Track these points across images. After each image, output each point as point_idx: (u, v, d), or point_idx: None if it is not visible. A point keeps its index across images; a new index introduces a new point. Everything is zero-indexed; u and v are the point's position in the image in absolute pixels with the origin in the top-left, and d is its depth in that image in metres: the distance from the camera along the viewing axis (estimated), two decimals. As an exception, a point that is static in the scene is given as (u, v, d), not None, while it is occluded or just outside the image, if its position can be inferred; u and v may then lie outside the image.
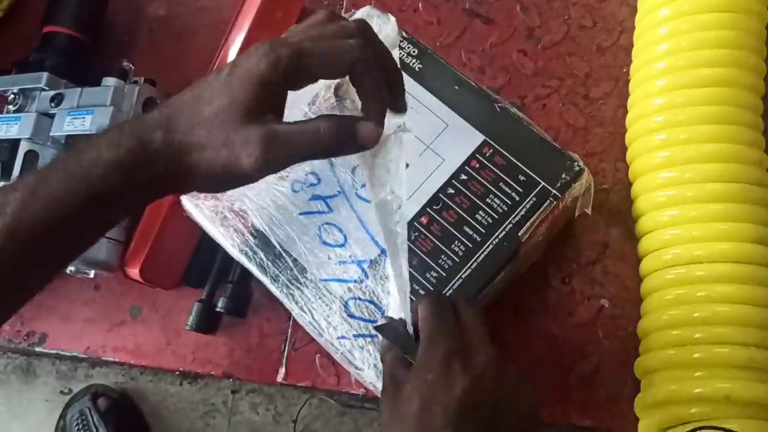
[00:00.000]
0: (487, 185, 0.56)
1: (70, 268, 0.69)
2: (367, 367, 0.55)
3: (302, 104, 0.61)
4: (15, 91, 0.72)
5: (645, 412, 0.54)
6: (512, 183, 0.56)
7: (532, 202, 0.55)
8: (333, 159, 0.59)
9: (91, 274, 0.70)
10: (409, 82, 0.58)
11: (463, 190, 0.57)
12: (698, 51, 0.56)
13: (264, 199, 0.59)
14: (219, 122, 0.42)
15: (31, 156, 0.70)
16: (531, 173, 0.56)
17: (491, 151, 0.57)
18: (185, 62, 0.81)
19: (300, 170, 0.60)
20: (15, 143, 0.70)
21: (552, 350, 0.62)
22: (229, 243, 0.59)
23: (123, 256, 0.70)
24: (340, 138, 0.43)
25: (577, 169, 0.56)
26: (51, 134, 0.70)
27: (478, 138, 0.58)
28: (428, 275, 0.56)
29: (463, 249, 0.56)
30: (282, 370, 0.69)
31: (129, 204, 0.46)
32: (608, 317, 0.61)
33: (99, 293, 0.76)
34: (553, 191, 0.55)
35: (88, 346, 0.75)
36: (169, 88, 0.77)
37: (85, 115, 0.68)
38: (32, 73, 0.73)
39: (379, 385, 0.51)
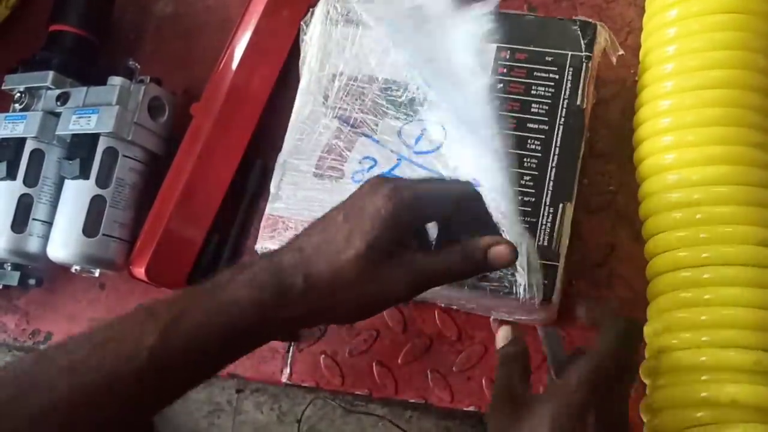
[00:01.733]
0: (525, 81, 0.59)
1: (75, 267, 0.69)
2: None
3: (322, 78, 0.65)
4: (21, 89, 0.73)
5: (650, 415, 0.54)
6: (544, 68, 0.59)
7: (571, 72, 0.58)
8: (375, 135, 0.61)
9: (96, 273, 0.71)
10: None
11: (507, 96, 0.59)
12: (707, 52, 0.55)
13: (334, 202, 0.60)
14: (363, 264, 0.45)
15: (36, 155, 0.70)
16: (554, 51, 0.59)
17: (508, 52, 0.60)
18: (192, 61, 0.81)
19: (353, 161, 0.61)
20: (21, 142, 0.71)
21: (557, 352, 0.61)
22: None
23: (128, 256, 0.70)
24: (475, 265, 0.47)
25: (591, 26, 0.59)
26: (57, 133, 0.70)
27: (491, 47, 0.60)
28: (522, 181, 0.57)
29: (538, 143, 0.57)
30: (287, 371, 0.69)
31: (264, 339, 0.49)
32: (614, 320, 0.61)
33: (104, 292, 0.76)
34: (583, 54, 0.58)
35: (93, 345, 0.75)
36: (176, 87, 0.77)
37: (91, 114, 0.68)
38: (38, 71, 0.73)
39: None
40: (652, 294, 0.56)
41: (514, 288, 0.54)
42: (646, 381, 0.56)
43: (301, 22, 0.67)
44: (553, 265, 0.54)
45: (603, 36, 0.59)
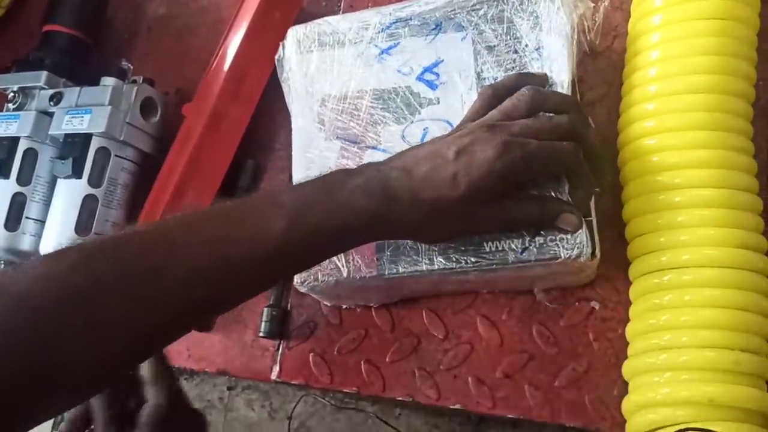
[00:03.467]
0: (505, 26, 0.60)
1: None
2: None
3: (314, 105, 0.64)
4: (15, 89, 0.73)
5: (632, 414, 0.55)
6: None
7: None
8: (381, 144, 0.63)
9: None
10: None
11: (497, 57, 0.60)
12: (690, 58, 0.56)
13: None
14: (463, 206, 0.50)
15: (30, 154, 0.71)
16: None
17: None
18: (184, 61, 0.81)
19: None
20: (14, 141, 0.71)
21: (542, 351, 0.62)
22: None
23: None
24: (547, 223, 0.54)
25: None
26: (50, 133, 0.71)
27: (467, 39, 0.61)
28: None
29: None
30: (276, 368, 0.69)
31: (365, 240, 0.55)
32: (598, 319, 0.62)
33: (96, 290, 0.77)
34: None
35: (85, 342, 0.75)
36: (168, 87, 0.78)
37: (84, 114, 0.69)
38: (32, 71, 0.73)
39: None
40: (634, 294, 0.57)
41: (561, 252, 0.55)
42: (628, 380, 0.57)
43: (275, 59, 0.67)
44: (588, 220, 0.55)
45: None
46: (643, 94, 0.58)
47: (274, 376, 0.69)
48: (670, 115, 0.56)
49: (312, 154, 0.63)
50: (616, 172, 0.62)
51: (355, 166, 0.59)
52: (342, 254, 0.59)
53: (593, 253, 0.54)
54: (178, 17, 0.84)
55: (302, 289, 0.61)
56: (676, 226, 0.54)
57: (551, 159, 0.52)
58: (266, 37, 0.73)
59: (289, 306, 0.70)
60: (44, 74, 0.73)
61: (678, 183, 0.55)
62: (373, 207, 0.50)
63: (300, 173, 0.64)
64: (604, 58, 0.69)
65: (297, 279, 0.60)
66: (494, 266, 0.56)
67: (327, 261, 0.59)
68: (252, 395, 0.92)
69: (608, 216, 0.63)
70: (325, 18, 0.66)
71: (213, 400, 0.93)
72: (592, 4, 0.61)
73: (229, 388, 0.92)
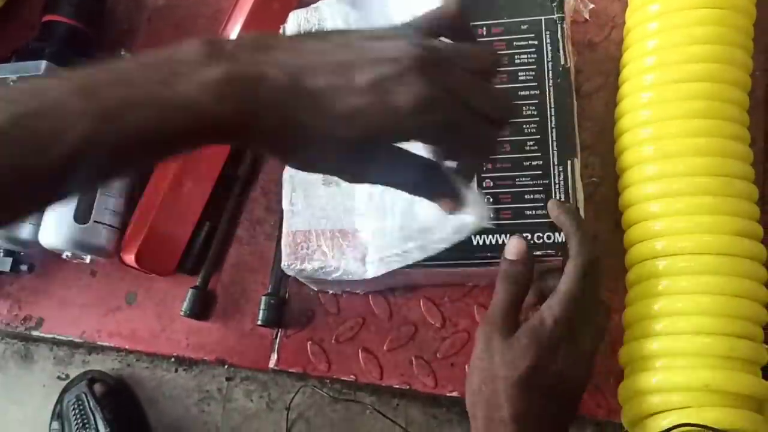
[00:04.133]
0: (507, 52, 0.60)
1: (67, 254, 0.70)
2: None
3: None
4: (14, 78, 0.73)
5: (628, 400, 0.55)
6: (521, 36, 0.60)
7: (549, 36, 0.59)
8: None
9: (88, 259, 0.72)
10: None
11: None
12: (687, 46, 0.56)
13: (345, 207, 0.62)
14: (346, 144, 0.39)
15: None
16: (528, 18, 0.60)
17: (484, 29, 0.61)
18: (183, 52, 0.81)
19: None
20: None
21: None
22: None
23: (119, 242, 0.71)
24: (425, 191, 0.44)
25: None
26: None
27: None
28: (526, 147, 0.58)
29: (534, 109, 0.59)
30: (274, 357, 0.70)
31: (208, 144, 0.40)
32: (595, 308, 0.62)
33: (95, 279, 0.77)
34: (556, 15, 0.60)
35: (84, 330, 0.76)
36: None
37: (83, 102, 0.69)
38: (31, 61, 0.73)
39: None
40: (630, 282, 0.58)
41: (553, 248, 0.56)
42: (624, 366, 0.57)
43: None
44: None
45: None
46: (640, 83, 0.58)
47: (272, 364, 0.70)
48: (667, 104, 0.56)
49: None
50: (613, 161, 0.62)
51: None
52: (333, 249, 0.59)
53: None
54: (177, 8, 0.84)
55: (289, 273, 0.62)
56: (672, 213, 0.55)
57: (471, 141, 0.42)
58: (265, 28, 0.73)
59: (287, 295, 0.71)
60: (43, 64, 0.73)
61: (674, 171, 0.55)
62: (227, 117, 0.37)
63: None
64: (601, 49, 0.69)
65: (285, 262, 0.60)
66: (483, 262, 0.57)
67: (317, 253, 0.59)
68: (250, 386, 0.92)
69: (604, 205, 0.64)
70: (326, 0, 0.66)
71: (212, 390, 0.93)
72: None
73: (228, 379, 0.92)
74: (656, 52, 0.58)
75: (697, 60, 0.56)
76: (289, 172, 0.64)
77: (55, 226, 0.68)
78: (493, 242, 0.56)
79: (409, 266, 0.57)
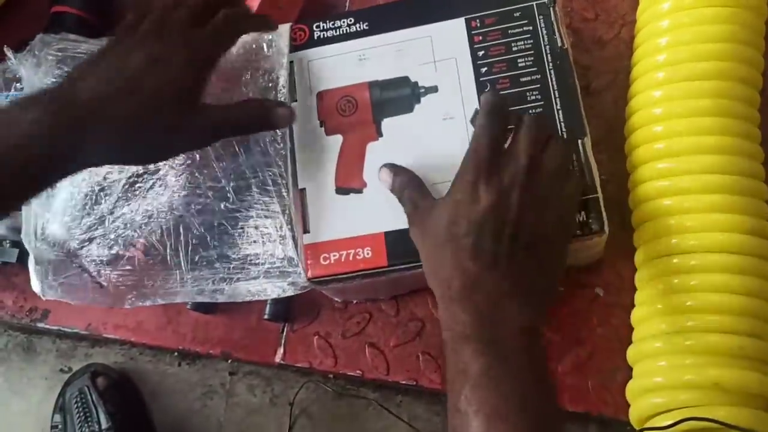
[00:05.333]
0: (503, 41, 0.61)
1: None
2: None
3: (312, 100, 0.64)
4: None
5: (636, 398, 0.55)
6: (516, 23, 0.61)
7: (542, 20, 0.60)
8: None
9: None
10: (372, 39, 0.63)
11: (491, 60, 0.61)
12: (698, 44, 0.56)
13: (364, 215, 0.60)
14: (156, 114, 0.52)
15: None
16: (519, 5, 0.61)
17: (477, 20, 0.62)
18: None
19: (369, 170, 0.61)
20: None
21: (546, 337, 0.63)
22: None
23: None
24: (257, 120, 0.56)
25: None
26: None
27: (460, 22, 0.62)
28: None
29: (537, 93, 0.59)
30: (280, 351, 0.70)
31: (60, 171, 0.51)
32: (603, 305, 0.62)
33: (101, 271, 0.77)
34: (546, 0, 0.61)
35: (90, 322, 0.76)
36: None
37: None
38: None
39: None
40: (640, 280, 0.58)
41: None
42: (632, 365, 0.57)
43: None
44: (594, 197, 0.55)
45: None
46: (651, 80, 0.58)
47: (278, 358, 0.69)
48: (678, 102, 0.56)
49: (314, 151, 0.62)
50: (621, 159, 0.62)
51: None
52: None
53: (602, 229, 0.54)
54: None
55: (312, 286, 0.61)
56: (682, 211, 0.55)
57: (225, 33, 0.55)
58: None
59: (293, 289, 0.70)
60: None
61: (685, 169, 0.55)
62: (57, 140, 0.48)
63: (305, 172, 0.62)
64: (611, 47, 0.69)
65: (310, 272, 0.59)
66: None
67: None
68: (254, 381, 0.92)
69: (613, 203, 0.63)
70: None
71: (215, 385, 0.93)
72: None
73: (231, 374, 0.93)
74: (667, 49, 0.58)
75: (708, 58, 0.56)
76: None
77: (62, 217, 0.68)
78: None
79: None
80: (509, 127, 0.52)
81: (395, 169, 0.56)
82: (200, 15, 0.54)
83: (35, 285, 0.64)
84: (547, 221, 0.49)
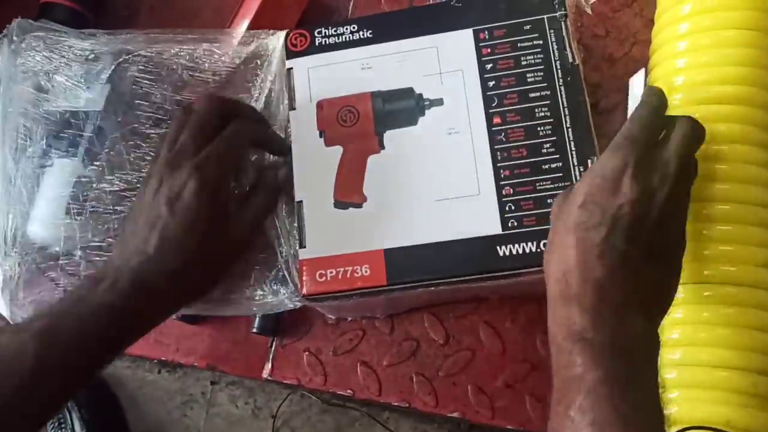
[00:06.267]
0: (512, 55, 0.59)
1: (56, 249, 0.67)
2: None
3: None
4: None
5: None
6: (526, 37, 0.59)
7: (553, 34, 0.59)
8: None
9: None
10: (376, 48, 0.61)
11: (499, 74, 0.59)
12: (715, 67, 0.54)
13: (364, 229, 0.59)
14: (204, 230, 0.54)
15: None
16: (530, 18, 0.59)
17: (486, 32, 0.60)
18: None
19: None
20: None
21: (545, 362, 0.60)
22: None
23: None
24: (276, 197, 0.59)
25: None
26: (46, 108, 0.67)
27: (468, 33, 0.60)
28: (543, 150, 0.56)
29: (546, 110, 0.57)
30: (268, 366, 0.67)
31: (140, 333, 0.53)
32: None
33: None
34: (558, 13, 0.59)
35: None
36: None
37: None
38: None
39: None
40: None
41: None
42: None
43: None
44: None
45: None
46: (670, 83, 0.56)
47: (265, 374, 0.67)
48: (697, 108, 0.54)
49: (312, 163, 0.60)
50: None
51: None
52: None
53: None
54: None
55: (304, 302, 0.58)
56: (699, 239, 0.53)
57: (232, 146, 0.55)
58: (276, 22, 0.70)
59: (284, 302, 0.68)
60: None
61: (697, 196, 0.53)
62: (126, 304, 0.50)
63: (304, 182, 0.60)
64: (621, 64, 0.67)
65: (305, 289, 0.56)
66: (513, 273, 0.54)
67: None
68: (236, 391, 0.89)
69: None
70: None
71: (195, 394, 0.90)
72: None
73: (213, 383, 0.90)
74: (684, 71, 0.56)
75: (727, 82, 0.54)
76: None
77: (44, 220, 0.65)
78: (520, 251, 0.54)
79: (434, 284, 0.55)
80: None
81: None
82: (204, 135, 0.55)
83: (3, 309, 0.61)
84: (676, 231, 0.47)
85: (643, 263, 0.44)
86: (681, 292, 0.52)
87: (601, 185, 0.45)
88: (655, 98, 0.50)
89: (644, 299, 0.44)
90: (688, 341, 0.51)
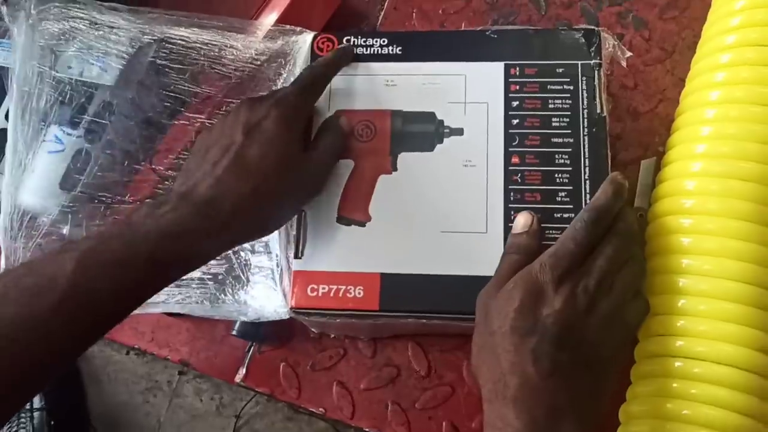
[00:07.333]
0: (540, 96, 0.58)
1: (43, 219, 0.65)
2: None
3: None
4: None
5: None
6: (557, 80, 0.58)
7: (585, 82, 0.57)
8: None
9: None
10: (404, 66, 0.60)
11: (525, 113, 0.58)
12: (740, 142, 0.53)
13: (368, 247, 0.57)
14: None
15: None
16: (564, 61, 0.58)
17: (517, 68, 0.59)
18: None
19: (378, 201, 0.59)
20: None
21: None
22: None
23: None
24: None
25: (594, 33, 0.58)
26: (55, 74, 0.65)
27: (499, 66, 0.59)
28: (557, 198, 0.55)
29: (566, 157, 0.56)
30: (242, 371, 0.65)
31: (185, 269, 0.50)
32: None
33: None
34: (593, 62, 0.58)
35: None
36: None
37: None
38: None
39: None
40: (636, 375, 0.55)
41: None
42: (624, 422, 0.54)
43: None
44: None
45: (609, 41, 0.58)
46: (686, 169, 0.55)
47: (238, 378, 0.65)
48: (711, 197, 0.53)
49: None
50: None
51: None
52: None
53: None
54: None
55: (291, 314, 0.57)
56: (693, 313, 0.52)
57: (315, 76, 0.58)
58: (303, 17, 0.68)
59: (269, 308, 0.66)
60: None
61: (700, 269, 0.52)
62: (186, 227, 0.47)
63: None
64: (645, 120, 0.66)
65: (294, 301, 0.55)
66: None
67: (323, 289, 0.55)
68: (203, 385, 0.88)
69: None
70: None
71: (161, 381, 0.88)
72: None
73: (181, 373, 0.88)
74: (708, 140, 0.55)
75: (747, 159, 0.53)
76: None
77: (37, 189, 0.63)
78: None
79: (427, 317, 0.54)
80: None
81: (530, 221, 0.53)
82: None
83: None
84: (607, 343, 0.47)
85: (577, 370, 0.45)
86: (668, 365, 0.51)
87: (532, 291, 0.46)
88: (602, 206, 0.49)
89: (577, 405, 0.45)
90: (667, 415, 0.50)
